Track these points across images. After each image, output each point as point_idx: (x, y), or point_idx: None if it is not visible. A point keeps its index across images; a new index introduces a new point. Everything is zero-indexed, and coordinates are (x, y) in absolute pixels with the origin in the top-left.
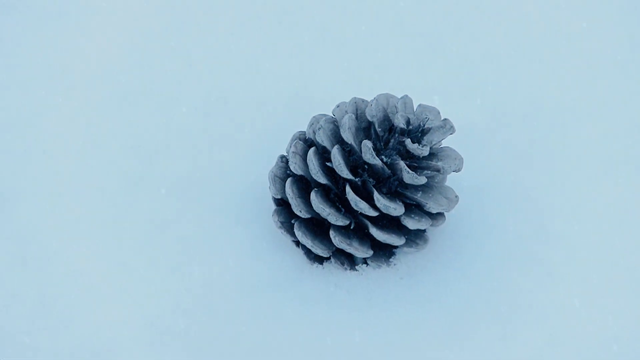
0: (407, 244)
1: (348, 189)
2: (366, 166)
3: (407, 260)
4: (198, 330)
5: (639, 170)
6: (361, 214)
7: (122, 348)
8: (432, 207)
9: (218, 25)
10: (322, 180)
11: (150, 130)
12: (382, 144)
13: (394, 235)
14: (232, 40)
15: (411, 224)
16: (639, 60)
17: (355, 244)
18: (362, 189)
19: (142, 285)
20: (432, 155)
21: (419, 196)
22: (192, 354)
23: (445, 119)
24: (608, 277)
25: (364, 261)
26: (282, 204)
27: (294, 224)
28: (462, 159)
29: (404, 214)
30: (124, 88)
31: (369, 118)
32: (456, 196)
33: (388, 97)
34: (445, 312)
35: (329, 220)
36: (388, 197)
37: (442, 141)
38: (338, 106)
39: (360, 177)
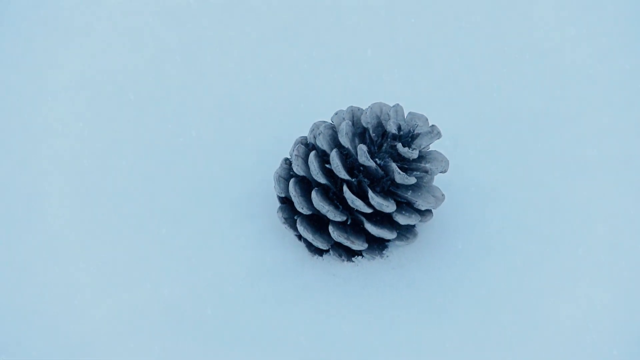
0: (398, 237)
1: (345, 188)
2: (361, 168)
3: (398, 252)
4: (211, 313)
5: (610, 170)
6: (357, 210)
7: (143, 329)
8: (421, 204)
9: (231, 42)
10: (322, 180)
11: (169, 136)
12: (376, 147)
13: (386, 230)
14: (243, 56)
15: (402, 219)
16: (608, 69)
17: (352, 237)
18: (357, 189)
19: (162, 273)
20: (421, 158)
21: (409, 195)
22: (205, 334)
23: (432, 125)
24: (578, 266)
25: (360, 253)
26: (286, 202)
27: (296, 219)
28: (447, 161)
29: (395, 210)
30: (148, 98)
31: (364, 124)
32: (442, 195)
33: (381, 105)
34: (431, 297)
35: (328, 217)
36: (381, 196)
37: (430, 145)
38: (336, 114)
39: (356, 177)
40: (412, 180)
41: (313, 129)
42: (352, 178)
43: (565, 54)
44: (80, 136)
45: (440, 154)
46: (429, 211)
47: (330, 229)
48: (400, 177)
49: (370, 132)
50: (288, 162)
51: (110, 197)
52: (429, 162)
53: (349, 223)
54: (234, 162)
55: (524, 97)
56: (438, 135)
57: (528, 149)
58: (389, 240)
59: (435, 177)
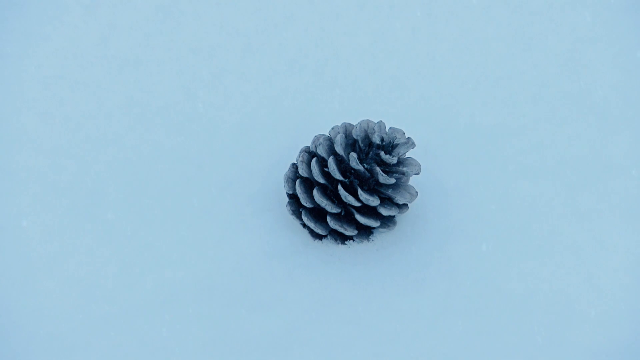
0: (381, 225)
1: (340, 187)
2: (352, 171)
3: (381, 237)
4: (233, 287)
5: (547, 173)
6: (349, 204)
7: (182, 298)
8: (399, 199)
9: (250, 76)
10: (321, 180)
11: (201, 146)
12: (364, 155)
13: (372, 219)
14: (261, 84)
15: (384, 211)
16: (548, 93)
17: (345, 226)
18: (349, 187)
19: (194, 254)
20: (399, 163)
21: (390, 192)
22: (230, 300)
23: (408, 137)
24: (523, 248)
25: (351, 238)
26: (293, 198)
27: (301, 212)
28: (420, 165)
29: (379, 204)
30: (176, 111)
31: (355, 137)
32: (416, 192)
33: (368, 122)
34: (407, 272)
35: (326, 209)
36: (368, 193)
37: (406, 153)
38: (333, 128)
39: (348, 178)
40: (392, 180)
41: (314, 140)
42: (345, 179)
43: (513, 80)
44: (119, 143)
45: (415, 159)
46: (405, 205)
47: (328, 218)
48: (383, 178)
49: (360, 142)
50: (295, 166)
51: (151, 195)
52: (405, 166)
53: (342, 214)
54: (253, 167)
55: (481, 114)
56: (412, 145)
57: (483, 156)
58: (374, 228)
59: (410, 178)
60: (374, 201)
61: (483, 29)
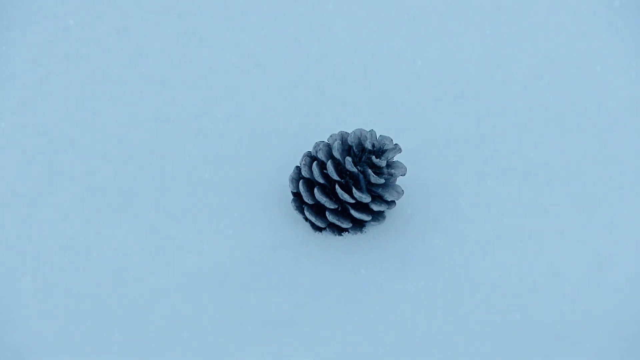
0: (373, 219)
1: (337, 186)
2: (348, 172)
3: (373, 229)
4: (245, 271)
5: (513, 172)
6: (345, 201)
7: (200, 282)
8: (388, 197)
9: (261, 95)
10: (321, 181)
11: (216, 150)
12: (357, 159)
13: (364, 214)
14: (269, 101)
15: (375, 207)
16: (520, 104)
17: (341, 219)
18: (345, 187)
19: (212, 243)
20: (388, 165)
21: (380, 191)
22: (241, 284)
23: (396, 144)
24: (493, 237)
25: (347, 230)
26: (297, 196)
27: (304, 207)
28: (406, 168)
29: (370, 201)
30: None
31: (350, 143)
32: (402, 190)
33: (361, 130)
34: (394, 259)
35: (325, 205)
36: (361, 191)
37: (394, 157)
38: (331, 136)
39: (344, 179)
40: (382, 180)
41: (315, 146)
42: (341, 179)
43: (485, 95)
44: (147, 149)
45: (401, 163)
46: (393, 202)
47: (327, 213)
48: (374, 178)
49: (354, 148)
50: (298, 169)
51: (181, 194)
52: (393, 168)
53: (339, 210)
54: (263, 169)
55: (457, 125)
56: (399, 150)
57: (460, 159)
58: (366, 221)
59: (397, 178)
60: (366, 198)
61: (459, 52)
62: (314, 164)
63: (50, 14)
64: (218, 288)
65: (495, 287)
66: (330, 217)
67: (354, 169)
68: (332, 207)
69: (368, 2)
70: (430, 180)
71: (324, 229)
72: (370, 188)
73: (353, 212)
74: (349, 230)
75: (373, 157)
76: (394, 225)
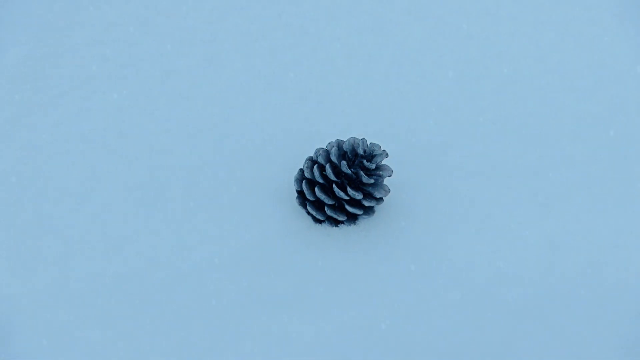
0: (364, 213)
1: (334, 185)
2: (343, 174)
3: (364, 222)
4: (255, 258)
5: (486, 177)
6: (341, 198)
7: (217, 267)
8: (377, 194)
9: (269, 99)
10: (321, 181)
11: (232, 155)
12: (351, 162)
13: (357, 209)
14: (276, 111)
15: (366, 203)
16: (492, 113)
17: (338, 213)
18: (341, 186)
19: (227, 234)
20: (377, 168)
21: (370, 189)
22: (252, 269)
23: (383, 150)
24: (468, 233)
25: (342, 222)
26: (300, 193)
27: (306, 203)
28: (392, 170)
29: (362, 198)
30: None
31: (345, 149)
32: (389, 189)
33: (354, 138)
34: (382, 247)
35: (324, 202)
36: (354, 190)
37: (382, 161)
38: (329, 143)
39: (341, 179)
40: (372, 181)
41: (316, 152)
42: (338, 180)
43: (458, 109)
44: (172, 153)
45: (388, 166)
46: (381, 198)
47: (326, 208)
48: (365, 179)
49: (348, 153)
50: (301, 170)
51: (200, 192)
52: (381, 170)
53: (336, 205)
54: (271, 171)
55: (434, 134)
56: (386, 155)
57: (436, 163)
58: (359, 215)
59: (385, 179)
60: (358, 196)
61: (436, 72)
62: (315, 166)
63: (92, 41)
64: (233, 270)
65: (464, 270)
66: (328, 212)
67: (349, 171)
68: (330, 203)
69: (359, 29)
70: (412, 180)
71: (323, 221)
72: (362, 187)
73: (348, 207)
74: (345, 223)
75: (364, 161)
76: (382, 218)
